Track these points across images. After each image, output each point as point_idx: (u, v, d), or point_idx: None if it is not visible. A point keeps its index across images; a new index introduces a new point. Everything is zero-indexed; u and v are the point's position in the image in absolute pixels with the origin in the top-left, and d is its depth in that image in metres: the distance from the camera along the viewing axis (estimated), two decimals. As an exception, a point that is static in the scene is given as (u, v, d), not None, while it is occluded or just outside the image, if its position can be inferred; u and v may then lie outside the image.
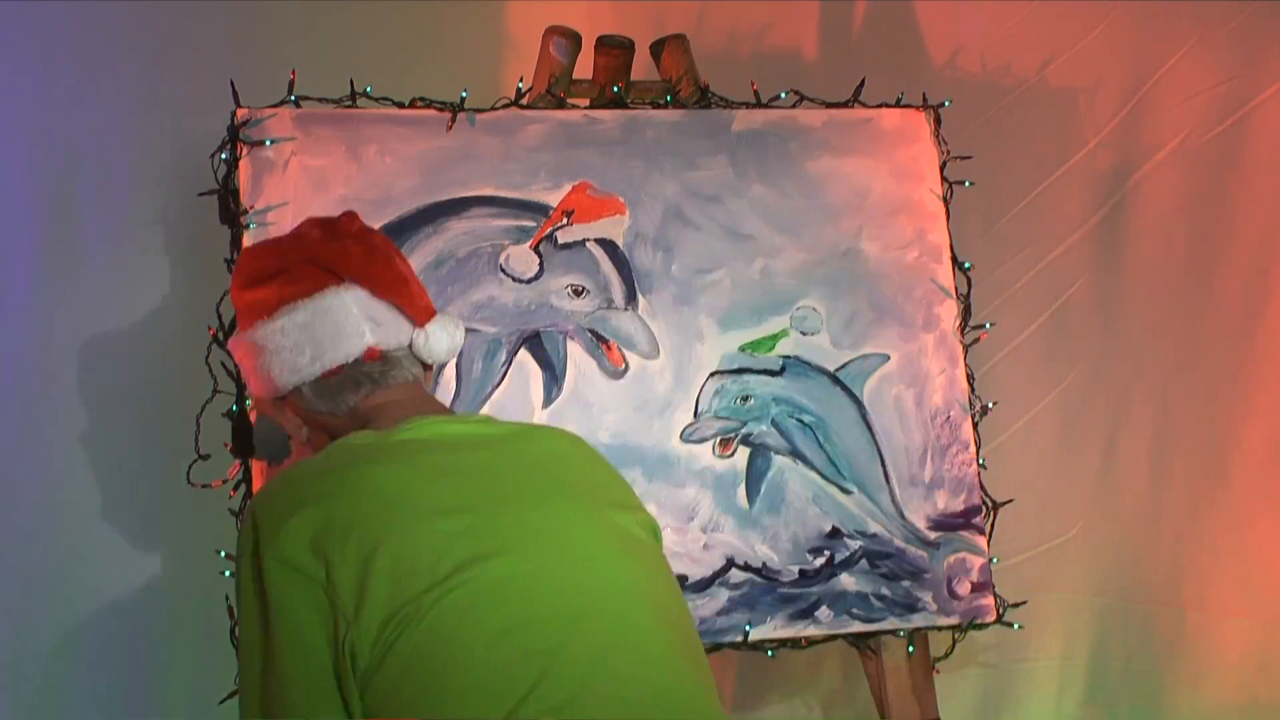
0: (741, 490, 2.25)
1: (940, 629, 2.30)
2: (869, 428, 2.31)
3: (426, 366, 1.71)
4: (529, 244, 2.22)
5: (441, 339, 1.68)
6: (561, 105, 2.31)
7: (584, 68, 2.36)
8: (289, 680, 1.41)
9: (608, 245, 2.26)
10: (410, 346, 1.68)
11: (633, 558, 1.53)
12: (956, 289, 2.39)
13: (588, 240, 2.25)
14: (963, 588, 2.31)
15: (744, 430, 2.26)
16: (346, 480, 1.48)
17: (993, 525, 2.36)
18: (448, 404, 2.16)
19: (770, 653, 2.24)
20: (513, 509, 1.49)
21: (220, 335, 2.11)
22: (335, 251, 1.67)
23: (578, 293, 2.23)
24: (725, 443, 2.26)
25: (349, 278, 1.66)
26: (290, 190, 2.15)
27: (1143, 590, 2.85)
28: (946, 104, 2.45)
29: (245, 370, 1.73)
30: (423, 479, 1.50)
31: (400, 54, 2.74)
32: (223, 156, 2.15)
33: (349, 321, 1.64)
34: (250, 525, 1.47)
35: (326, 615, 1.40)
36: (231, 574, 2.06)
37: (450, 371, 2.17)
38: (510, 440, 1.60)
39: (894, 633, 2.29)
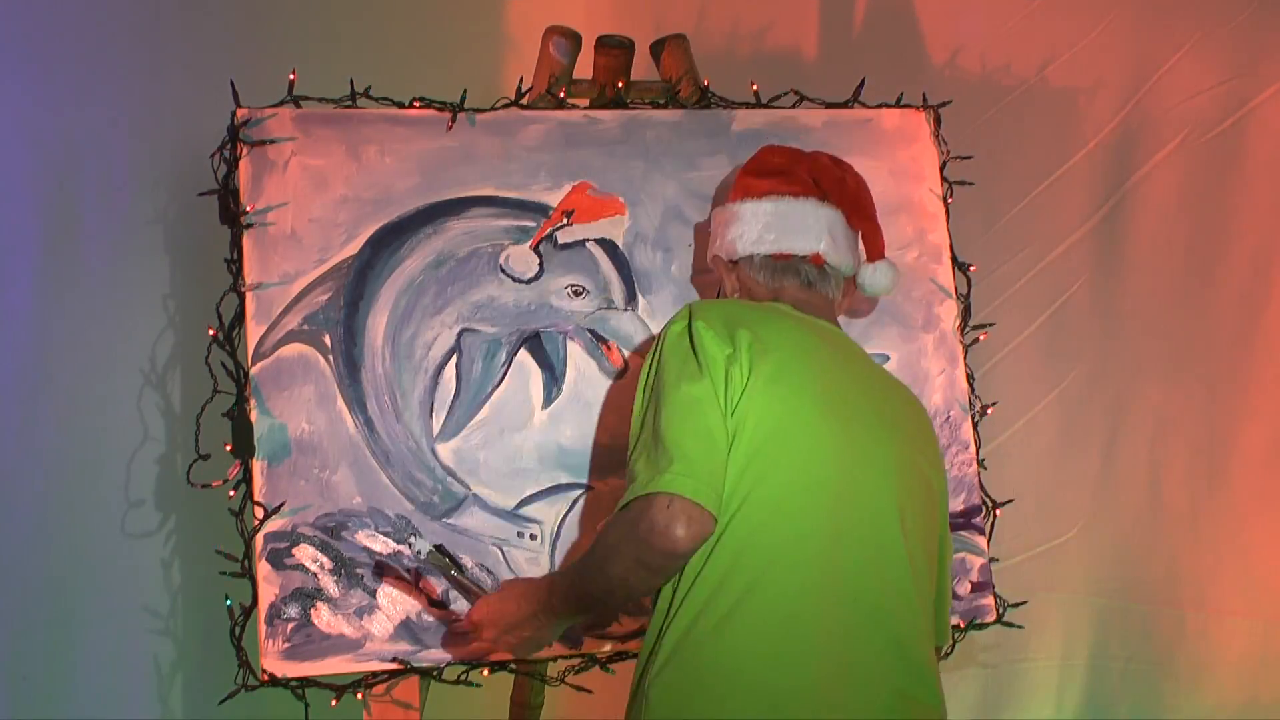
0: (741, 490, 2.25)
1: (940, 629, 2.30)
2: (869, 428, 2.31)
3: (845, 294, 2.06)
4: (529, 244, 2.22)
5: (884, 277, 2.08)
6: (561, 105, 2.31)
7: (584, 68, 2.36)
8: (683, 383, 1.76)
9: (608, 245, 2.26)
10: (854, 274, 2.06)
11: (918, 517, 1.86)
12: (956, 289, 2.39)
13: (588, 240, 2.25)
14: (962, 588, 2.31)
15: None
16: (771, 318, 1.87)
17: (993, 525, 2.36)
18: (447, 404, 2.16)
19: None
20: (874, 435, 1.83)
21: (220, 335, 2.11)
22: (834, 178, 2.05)
23: (578, 293, 2.23)
24: (725, 443, 2.26)
25: (833, 200, 2.03)
26: (290, 190, 2.15)
27: (1143, 590, 2.85)
28: (947, 104, 2.45)
29: (715, 231, 2.07)
30: (826, 357, 1.86)
31: (400, 54, 2.74)
32: (223, 156, 2.15)
33: (814, 227, 2.00)
34: (686, 312, 1.84)
35: (724, 362, 1.76)
36: (231, 574, 2.07)
37: (450, 371, 2.17)
38: (886, 377, 2.00)
39: (894, 633, 2.29)
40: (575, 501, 2.17)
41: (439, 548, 2.04)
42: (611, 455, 2.20)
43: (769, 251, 1.98)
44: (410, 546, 2.07)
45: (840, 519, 1.76)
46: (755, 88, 2.38)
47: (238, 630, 2.06)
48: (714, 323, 1.79)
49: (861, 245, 2.06)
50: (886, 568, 1.79)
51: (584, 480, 2.18)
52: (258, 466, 2.08)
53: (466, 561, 2.11)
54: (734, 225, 2.01)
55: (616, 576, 1.74)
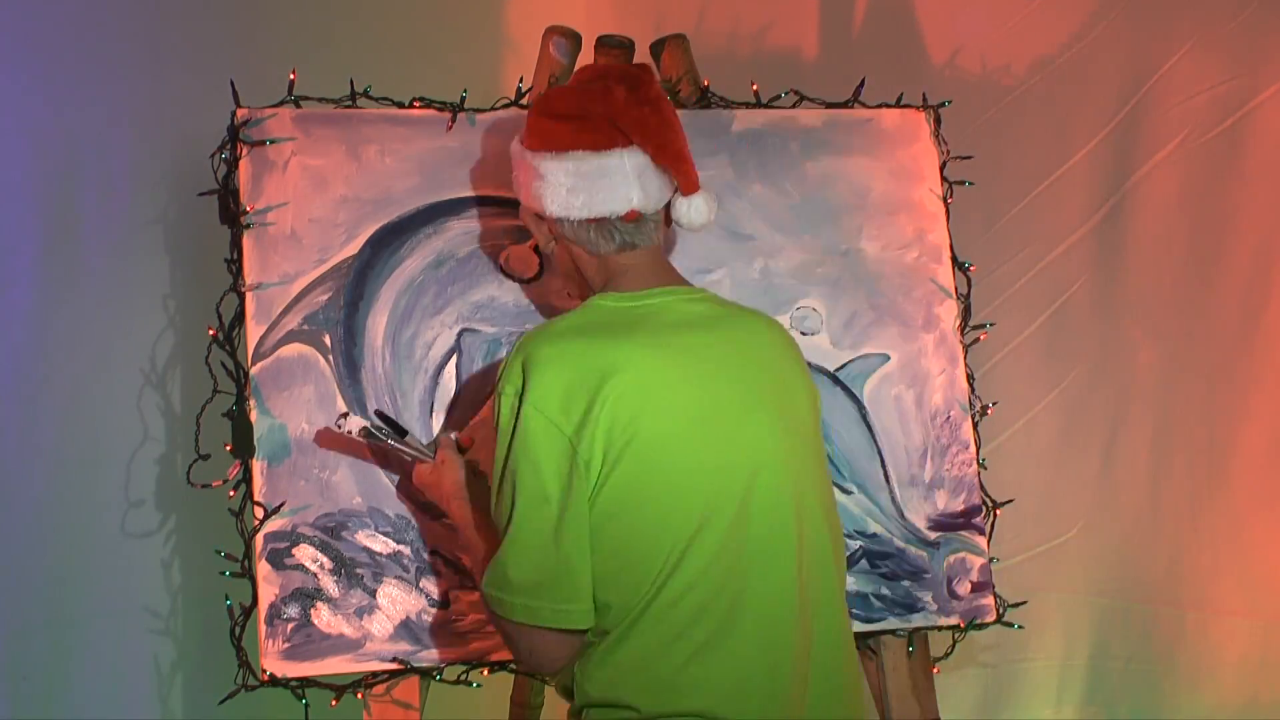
0: (741, 490, 2.25)
1: (940, 629, 2.30)
2: (869, 428, 2.31)
3: (662, 228, 1.95)
4: (529, 244, 2.22)
5: (702, 210, 1.95)
6: (561, 105, 2.30)
7: (584, 68, 2.36)
8: (519, 499, 1.75)
9: (608, 245, 2.25)
10: (669, 208, 1.94)
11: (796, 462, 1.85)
12: (956, 289, 2.39)
13: (588, 240, 2.25)
14: (963, 588, 2.31)
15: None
16: (604, 357, 1.78)
17: (993, 525, 2.35)
18: (446, 405, 2.16)
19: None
20: (724, 415, 1.81)
21: (220, 335, 2.11)
22: (634, 118, 1.88)
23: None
24: (725, 443, 2.26)
25: (637, 142, 1.88)
26: (290, 190, 2.15)
27: (1143, 590, 2.85)
28: (946, 104, 2.45)
29: (518, 181, 1.97)
30: (664, 367, 1.80)
31: (400, 54, 2.74)
32: (223, 156, 2.15)
33: (623, 184, 1.88)
34: (519, 365, 1.78)
35: (566, 456, 1.73)
36: (231, 574, 2.07)
37: (450, 371, 2.17)
38: (729, 325, 1.90)
39: (894, 633, 2.29)
40: (575, 501, 2.17)
41: (380, 414, 2.04)
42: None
43: (582, 218, 1.89)
44: (339, 426, 2.02)
45: (727, 531, 1.78)
46: (755, 88, 2.38)
47: (238, 630, 2.06)
48: (547, 402, 1.74)
49: (672, 178, 1.93)
50: (774, 583, 1.80)
51: (584, 480, 2.18)
52: (258, 466, 2.08)
53: (467, 562, 2.11)
54: (536, 182, 1.92)
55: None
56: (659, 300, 1.88)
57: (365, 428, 2.02)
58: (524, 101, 2.27)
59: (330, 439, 2.09)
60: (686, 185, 1.92)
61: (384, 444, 2.03)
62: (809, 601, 1.81)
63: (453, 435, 2.05)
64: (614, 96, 1.88)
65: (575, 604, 1.75)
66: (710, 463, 1.78)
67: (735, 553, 1.77)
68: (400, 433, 2.04)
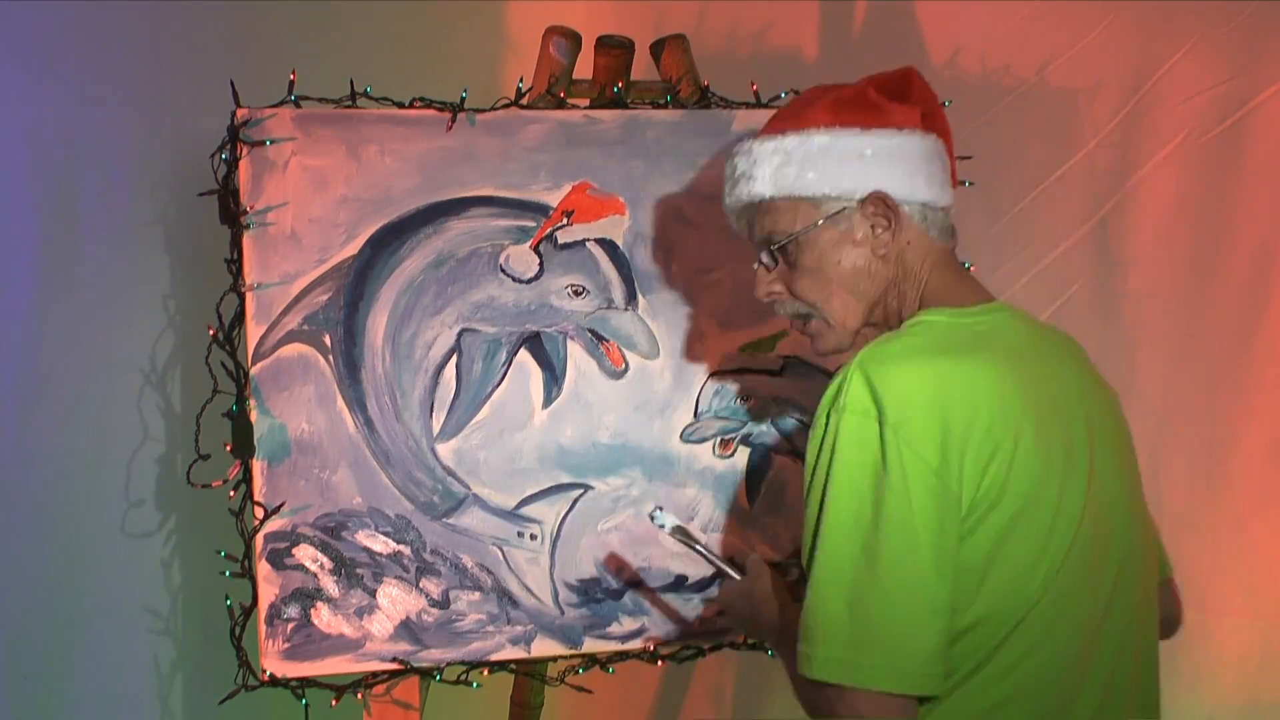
0: (742, 490, 2.25)
1: (940, 629, 2.29)
2: (869, 428, 2.31)
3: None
4: (529, 244, 2.22)
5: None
6: (561, 105, 2.30)
7: (584, 68, 2.36)
8: (895, 555, 1.45)
9: (608, 245, 2.26)
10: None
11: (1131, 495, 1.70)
12: (956, 289, 2.38)
13: (588, 240, 2.25)
14: (963, 588, 2.30)
15: (744, 430, 2.26)
16: (966, 384, 1.51)
17: (993, 525, 2.35)
18: (447, 404, 2.16)
19: (771, 653, 2.24)
20: (1077, 450, 1.60)
21: (220, 335, 2.11)
22: (941, 115, 1.76)
23: (578, 293, 2.23)
24: (725, 443, 2.26)
25: (944, 137, 1.74)
26: (290, 190, 2.15)
27: (1143, 590, 2.85)
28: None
29: (818, 172, 1.67)
30: (1024, 387, 1.56)
31: (400, 54, 2.74)
32: (223, 156, 2.15)
33: (944, 172, 1.71)
34: (867, 391, 1.48)
35: (940, 501, 1.45)
36: (231, 574, 2.07)
37: (450, 371, 2.17)
38: (1054, 349, 1.72)
39: (894, 633, 2.28)
40: (575, 501, 2.17)
41: (679, 529, 1.90)
42: (611, 455, 2.20)
43: (941, 204, 1.68)
44: (652, 518, 1.91)
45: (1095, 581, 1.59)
46: (755, 88, 2.38)
47: (238, 630, 2.06)
48: (914, 417, 1.46)
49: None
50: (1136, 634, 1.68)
51: (584, 480, 2.18)
52: (258, 466, 2.08)
53: (467, 562, 2.11)
54: (858, 164, 1.64)
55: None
56: (995, 318, 1.65)
57: (679, 526, 1.90)
58: (524, 101, 2.27)
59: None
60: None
61: (694, 548, 1.89)
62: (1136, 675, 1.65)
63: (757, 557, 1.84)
64: (920, 86, 1.75)
65: (930, 666, 1.46)
66: (1070, 512, 1.55)
67: (1088, 618, 1.57)
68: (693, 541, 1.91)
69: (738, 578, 1.80)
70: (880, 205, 1.67)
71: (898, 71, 1.77)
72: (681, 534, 1.89)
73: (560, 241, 2.24)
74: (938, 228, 1.70)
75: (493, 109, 2.26)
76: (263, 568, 2.06)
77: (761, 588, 1.73)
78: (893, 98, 1.72)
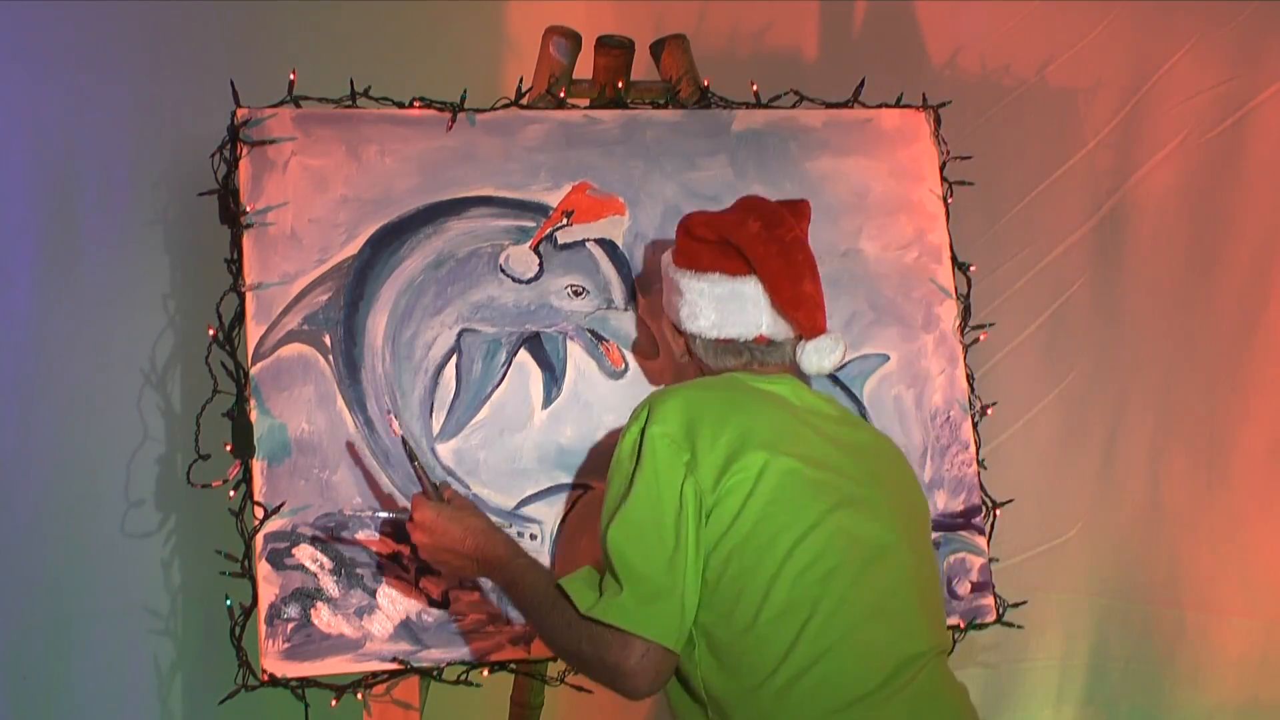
0: (741, 490, 2.25)
1: (940, 629, 2.30)
2: (869, 428, 2.31)
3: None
4: (529, 244, 2.22)
5: (813, 359, 1.95)
6: (561, 105, 2.31)
7: (584, 68, 2.36)
8: (639, 512, 1.77)
9: (608, 245, 2.26)
10: (792, 348, 1.98)
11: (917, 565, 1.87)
12: (956, 289, 2.39)
13: (588, 240, 2.25)
14: (963, 588, 2.31)
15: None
16: (734, 403, 1.85)
17: (993, 525, 2.35)
18: (446, 404, 2.16)
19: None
20: (864, 488, 1.84)
21: (220, 335, 2.11)
22: (759, 254, 1.95)
23: (578, 293, 2.23)
24: (725, 443, 2.26)
25: (763, 279, 1.95)
26: (290, 190, 2.15)
27: (1143, 590, 2.85)
28: (946, 104, 2.45)
29: (665, 292, 2.07)
30: (796, 425, 1.85)
31: (400, 54, 2.74)
32: (223, 156, 2.15)
33: (754, 310, 1.96)
34: (645, 408, 1.84)
35: (681, 471, 1.76)
36: (231, 574, 2.07)
37: (450, 372, 2.17)
38: (858, 424, 2.02)
39: (894, 633, 2.29)
40: (575, 501, 2.17)
41: (404, 440, 2.03)
42: (611, 455, 2.19)
43: (711, 337, 1.98)
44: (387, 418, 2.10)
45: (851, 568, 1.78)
46: (755, 88, 2.38)
47: (238, 630, 2.06)
48: (671, 427, 1.79)
49: (789, 320, 1.97)
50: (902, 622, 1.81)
51: (584, 480, 2.18)
52: (258, 466, 2.08)
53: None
54: (676, 296, 2.01)
55: (568, 659, 1.82)
56: (789, 385, 1.95)
57: (404, 439, 2.02)
58: (524, 101, 2.27)
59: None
60: (804, 330, 1.95)
61: (413, 463, 1.96)
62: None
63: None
64: (747, 229, 1.96)
65: (684, 625, 1.76)
66: (831, 523, 1.78)
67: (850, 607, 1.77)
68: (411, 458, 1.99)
69: (435, 498, 1.96)
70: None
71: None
72: (406, 445, 1.98)
73: (560, 242, 2.24)
74: (714, 356, 2.00)
75: (493, 109, 2.26)
76: (263, 568, 2.06)
77: (476, 521, 1.93)
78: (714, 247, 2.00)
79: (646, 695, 1.77)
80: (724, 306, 1.96)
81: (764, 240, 1.95)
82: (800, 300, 1.94)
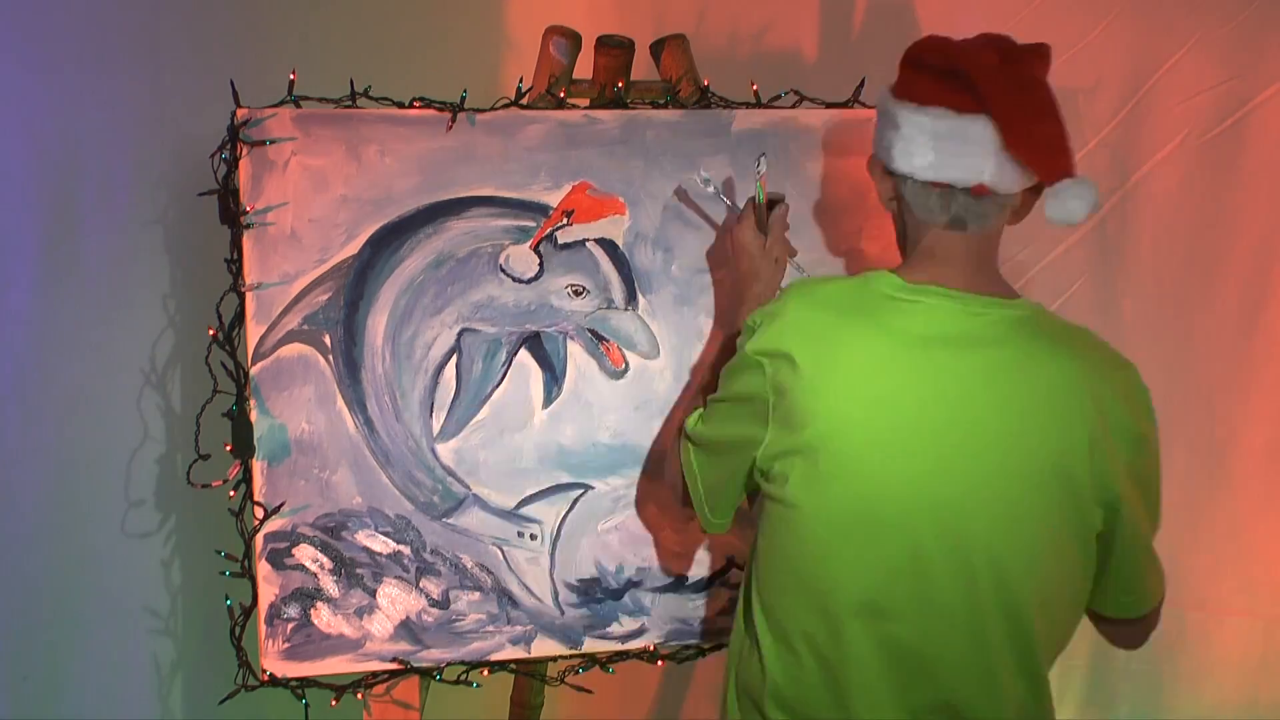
0: (741, 490, 2.25)
1: (940, 629, 2.29)
2: (869, 428, 2.31)
3: (1020, 210, 1.82)
4: (529, 244, 2.22)
5: (1064, 205, 1.71)
6: (561, 105, 2.30)
7: (584, 68, 2.36)
8: (717, 419, 1.88)
9: (608, 245, 2.26)
10: (1032, 194, 1.79)
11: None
12: (956, 289, 2.38)
13: (588, 240, 2.25)
14: (963, 588, 2.30)
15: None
16: (823, 345, 1.76)
17: (993, 525, 2.35)
18: (446, 404, 2.16)
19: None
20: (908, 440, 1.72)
21: (220, 335, 2.11)
22: (996, 91, 1.72)
23: (578, 293, 2.23)
24: (725, 443, 2.26)
25: (996, 118, 1.71)
26: (290, 190, 2.15)
27: (1143, 590, 2.85)
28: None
29: (876, 133, 1.86)
30: (870, 378, 1.73)
31: (400, 54, 2.74)
32: (223, 156, 2.15)
33: (978, 154, 1.73)
34: (766, 307, 1.84)
35: (753, 392, 1.79)
36: (231, 574, 2.07)
37: (450, 371, 2.17)
38: (992, 350, 1.75)
39: (894, 633, 2.28)
40: (575, 501, 2.17)
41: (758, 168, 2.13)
42: (611, 455, 2.20)
43: (925, 179, 1.77)
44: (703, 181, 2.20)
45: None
46: (755, 88, 2.38)
47: (238, 630, 2.06)
48: (760, 341, 1.80)
49: (1024, 166, 1.75)
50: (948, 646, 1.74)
51: (584, 480, 2.18)
52: (258, 466, 2.08)
53: (466, 562, 2.11)
54: (890, 130, 1.80)
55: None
56: (928, 302, 1.77)
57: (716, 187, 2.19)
58: (524, 101, 2.27)
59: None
60: (1044, 174, 1.72)
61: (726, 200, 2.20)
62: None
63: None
64: (982, 60, 1.75)
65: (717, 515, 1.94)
66: (885, 477, 1.71)
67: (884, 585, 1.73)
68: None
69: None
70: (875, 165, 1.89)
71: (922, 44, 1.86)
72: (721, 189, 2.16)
73: (560, 241, 2.24)
74: (923, 204, 1.80)
75: (493, 109, 2.26)
76: (263, 568, 2.06)
77: (763, 268, 2.09)
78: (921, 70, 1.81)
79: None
80: (944, 146, 1.74)
81: (1001, 75, 1.73)
82: (1039, 142, 1.72)
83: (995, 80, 1.72)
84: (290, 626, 2.05)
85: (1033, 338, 1.77)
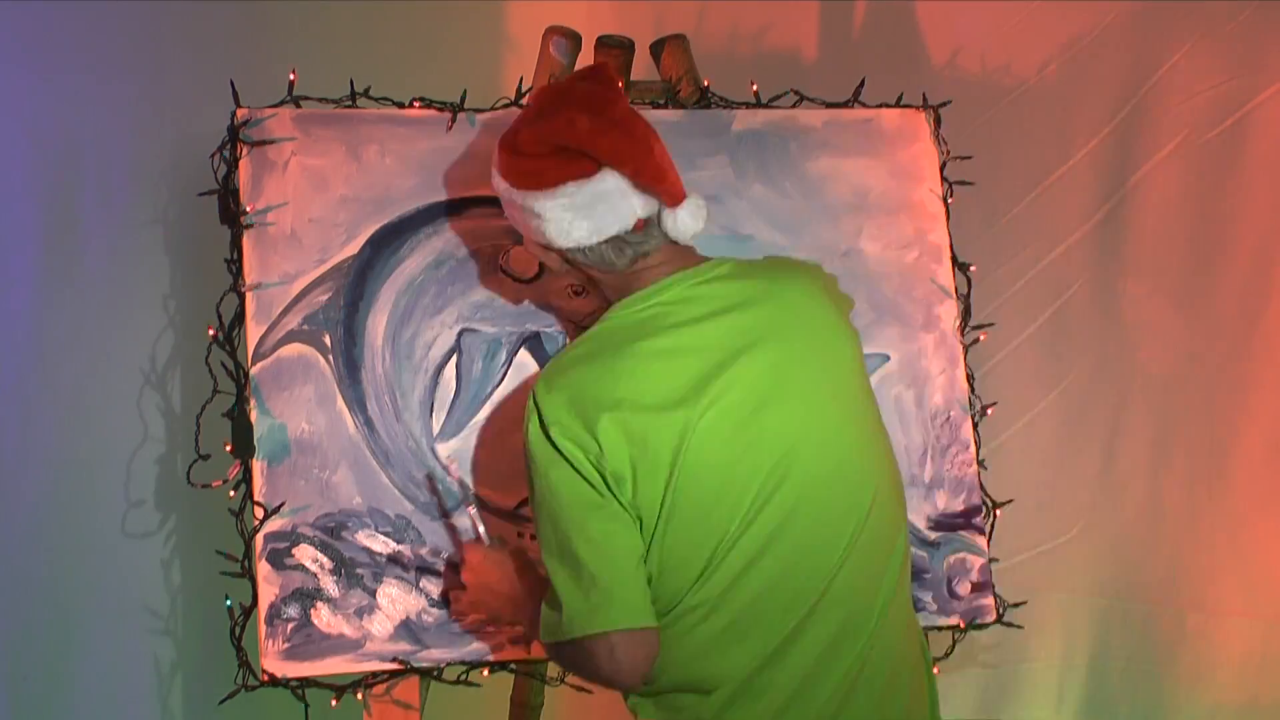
0: (741, 490, 2.25)
1: (940, 629, 2.30)
2: (869, 428, 2.31)
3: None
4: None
5: (687, 222, 1.86)
6: (561, 105, 2.30)
7: (584, 68, 2.36)
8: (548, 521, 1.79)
9: (608, 245, 2.25)
10: (660, 223, 1.87)
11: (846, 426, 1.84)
12: (956, 289, 2.39)
13: (588, 240, 2.25)
14: (963, 588, 2.30)
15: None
16: (604, 388, 1.78)
17: (993, 525, 2.35)
18: (447, 404, 2.16)
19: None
20: (743, 407, 1.78)
21: (220, 335, 2.11)
22: (604, 146, 1.82)
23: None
24: (725, 443, 2.25)
25: (619, 168, 1.82)
26: (290, 190, 2.15)
27: (1143, 590, 2.85)
28: (946, 104, 2.45)
29: (515, 219, 1.91)
30: (673, 376, 1.78)
31: (400, 54, 2.74)
32: (223, 156, 2.15)
33: (621, 201, 1.83)
34: (532, 407, 1.81)
35: (589, 473, 1.75)
36: (232, 574, 2.07)
37: (450, 371, 2.17)
38: (748, 297, 1.85)
39: (894, 633, 2.28)
40: (575, 501, 2.17)
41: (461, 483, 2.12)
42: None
43: (592, 243, 1.85)
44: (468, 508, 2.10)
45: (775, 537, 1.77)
46: (755, 88, 2.38)
47: (238, 630, 2.06)
48: (565, 420, 1.77)
49: (655, 194, 1.86)
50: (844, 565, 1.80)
51: (584, 480, 2.18)
52: (258, 466, 2.08)
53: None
54: (533, 221, 1.86)
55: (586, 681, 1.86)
56: (673, 293, 1.84)
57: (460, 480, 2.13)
58: (524, 102, 2.27)
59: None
60: (669, 199, 1.85)
61: (467, 502, 2.11)
62: (858, 590, 1.80)
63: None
64: (578, 127, 1.81)
65: (645, 602, 1.76)
66: (735, 460, 1.76)
67: (784, 551, 1.77)
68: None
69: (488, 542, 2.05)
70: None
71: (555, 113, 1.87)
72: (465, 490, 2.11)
73: (560, 241, 2.23)
74: (601, 259, 1.87)
75: (493, 109, 2.26)
76: (263, 568, 2.06)
77: (515, 562, 2.01)
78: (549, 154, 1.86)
79: (645, 681, 1.78)
80: (593, 210, 1.82)
81: (599, 131, 1.81)
82: (659, 172, 1.84)
83: (598, 139, 1.81)
84: (290, 626, 2.05)
85: (759, 274, 1.90)
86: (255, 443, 2.08)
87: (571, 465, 1.76)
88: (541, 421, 1.78)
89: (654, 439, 1.74)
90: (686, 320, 1.82)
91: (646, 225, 1.86)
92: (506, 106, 2.26)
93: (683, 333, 1.81)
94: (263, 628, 2.05)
